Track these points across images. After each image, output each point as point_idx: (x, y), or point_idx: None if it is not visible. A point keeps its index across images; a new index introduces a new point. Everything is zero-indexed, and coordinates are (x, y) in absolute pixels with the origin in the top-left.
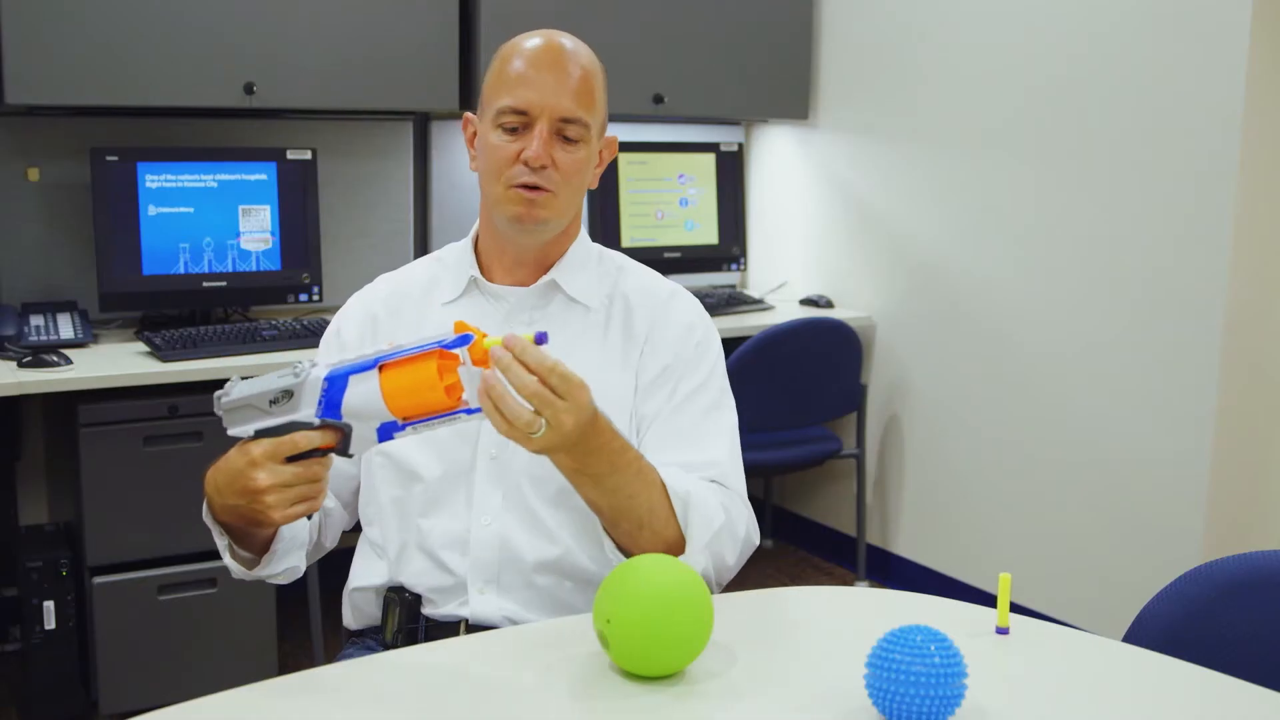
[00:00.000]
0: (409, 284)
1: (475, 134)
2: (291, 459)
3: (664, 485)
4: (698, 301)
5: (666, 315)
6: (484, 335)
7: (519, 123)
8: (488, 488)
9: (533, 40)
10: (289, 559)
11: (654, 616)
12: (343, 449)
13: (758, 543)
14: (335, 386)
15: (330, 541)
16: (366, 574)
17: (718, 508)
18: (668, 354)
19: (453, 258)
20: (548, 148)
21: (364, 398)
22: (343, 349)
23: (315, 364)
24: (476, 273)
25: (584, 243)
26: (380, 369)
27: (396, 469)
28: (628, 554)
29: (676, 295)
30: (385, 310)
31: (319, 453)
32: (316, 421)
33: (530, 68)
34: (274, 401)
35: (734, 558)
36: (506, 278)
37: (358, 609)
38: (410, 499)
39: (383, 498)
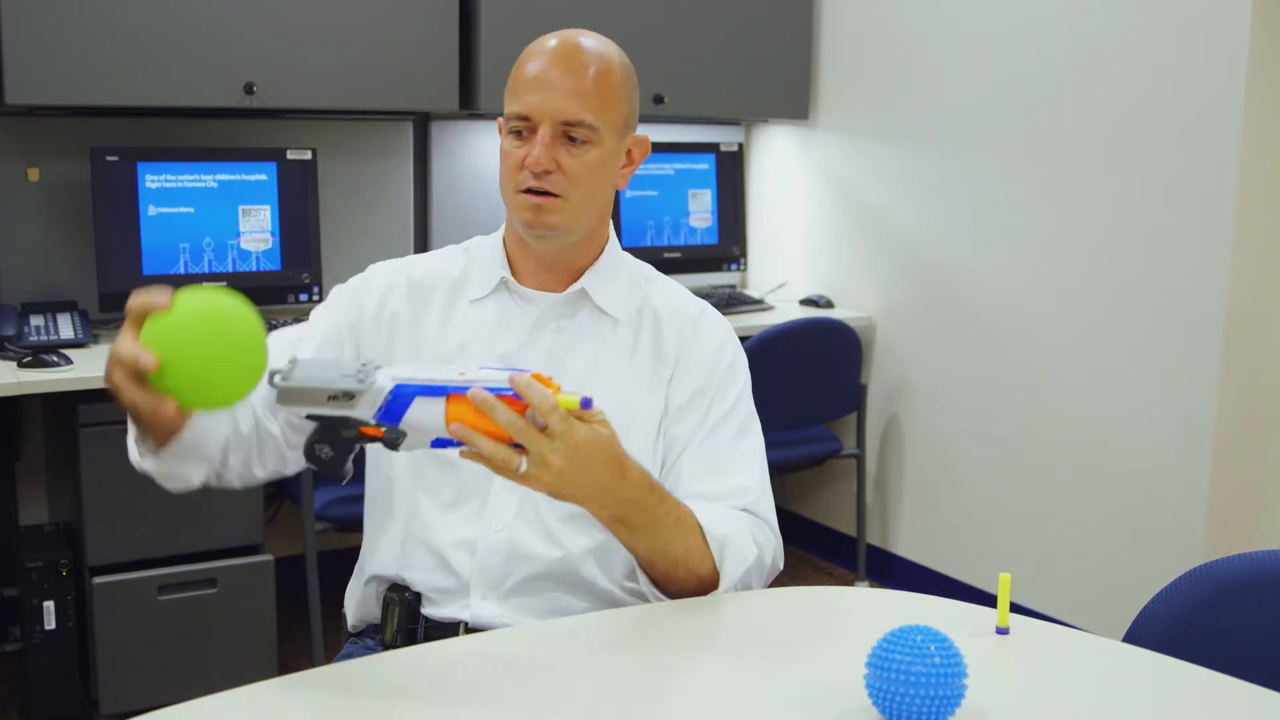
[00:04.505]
0: (437, 278)
1: None
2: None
3: (701, 529)
4: (725, 320)
5: (696, 334)
6: (558, 388)
7: (524, 127)
8: (503, 496)
9: (545, 42)
10: (187, 464)
11: (193, 337)
12: (391, 445)
13: (781, 568)
14: (399, 402)
15: (263, 470)
16: (368, 569)
17: (750, 544)
18: (700, 376)
19: (481, 253)
20: (550, 152)
21: (425, 417)
22: (360, 318)
23: (379, 367)
24: (508, 273)
25: (615, 251)
26: (448, 399)
27: (414, 462)
28: (664, 590)
29: (706, 314)
30: (409, 303)
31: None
32: (372, 422)
33: (536, 71)
34: (332, 398)
35: (759, 585)
36: (534, 281)
37: (358, 609)
38: (424, 495)
39: (396, 490)
